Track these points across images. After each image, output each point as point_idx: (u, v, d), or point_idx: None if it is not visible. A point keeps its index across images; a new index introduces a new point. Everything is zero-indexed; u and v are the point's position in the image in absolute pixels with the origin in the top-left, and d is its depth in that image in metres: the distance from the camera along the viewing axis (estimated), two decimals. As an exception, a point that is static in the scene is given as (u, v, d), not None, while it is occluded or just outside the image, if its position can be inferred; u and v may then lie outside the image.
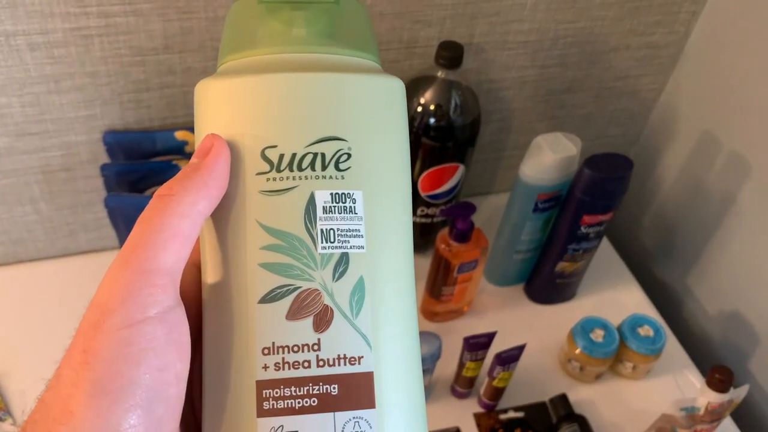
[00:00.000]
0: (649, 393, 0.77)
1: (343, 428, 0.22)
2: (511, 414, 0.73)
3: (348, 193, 0.24)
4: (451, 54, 0.71)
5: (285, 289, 0.23)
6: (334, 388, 0.23)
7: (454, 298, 0.79)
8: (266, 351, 0.23)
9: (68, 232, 0.78)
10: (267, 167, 0.24)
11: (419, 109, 0.74)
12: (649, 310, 0.86)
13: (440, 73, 0.73)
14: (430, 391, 0.74)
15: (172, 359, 0.22)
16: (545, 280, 0.82)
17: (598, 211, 0.74)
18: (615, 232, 1.01)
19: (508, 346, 0.69)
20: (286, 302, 0.23)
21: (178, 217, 0.22)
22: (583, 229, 0.75)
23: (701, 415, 0.66)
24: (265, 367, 0.23)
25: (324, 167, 0.24)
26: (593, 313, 0.79)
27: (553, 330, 0.81)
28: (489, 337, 0.69)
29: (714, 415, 0.66)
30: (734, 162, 0.83)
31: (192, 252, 0.25)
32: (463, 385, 0.73)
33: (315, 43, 0.25)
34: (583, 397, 0.76)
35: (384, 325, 0.24)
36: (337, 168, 0.24)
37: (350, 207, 0.24)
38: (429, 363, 0.69)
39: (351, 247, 0.24)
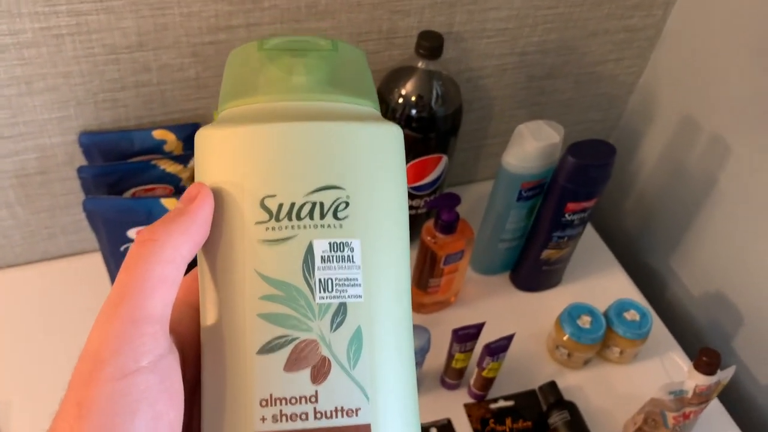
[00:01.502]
0: (637, 377, 0.78)
1: None
2: (502, 403, 0.73)
3: (346, 242, 0.24)
4: (431, 44, 0.70)
5: (283, 339, 0.23)
6: None
7: (441, 289, 0.79)
8: (264, 403, 0.23)
9: (47, 235, 0.77)
10: (266, 216, 0.24)
11: (400, 100, 0.73)
12: (635, 295, 0.86)
13: (421, 64, 0.72)
14: (420, 383, 0.74)
15: (166, 408, 0.22)
16: (531, 268, 0.82)
17: (582, 198, 0.74)
18: (598, 218, 1.02)
19: (496, 335, 0.69)
20: (284, 353, 0.23)
21: (163, 264, 0.23)
22: (567, 217, 0.75)
23: (689, 397, 0.66)
24: (263, 419, 0.23)
25: (322, 216, 0.24)
26: (579, 299, 0.79)
27: (540, 317, 0.81)
28: (477, 328, 0.69)
29: (702, 397, 0.66)
30: (714, 144, 0.84)
31: (190, 295, 0.25)
32: (452, 377, 0.73)
33: (315, 91, 0.25)
34: (572, 383, 0.77)
35: (381, 376, 0.24)
36: (335, 217, 0.24)
37: (348, 256, 0.24)
38: (419, 356, 0.68)
39: (349, 297, 0.24)
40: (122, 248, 0.66)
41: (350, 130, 0.25)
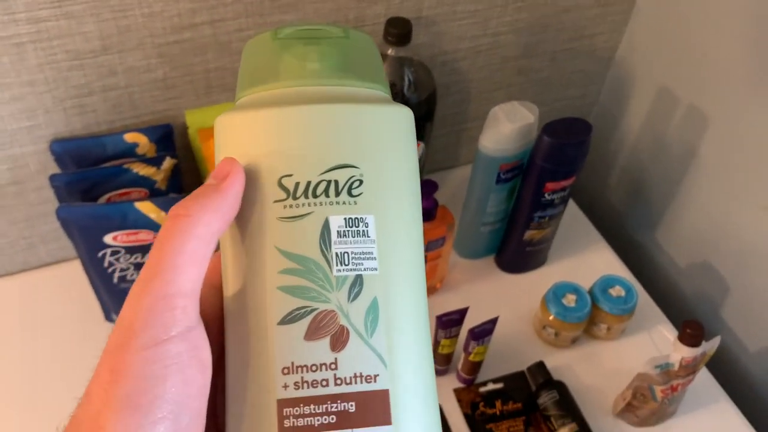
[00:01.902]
0: (626, 352, 0.78)
1: None
2: (491, 386, 0.74)
3: (361, 218, 0.25)
4: (399, 30, 0.69)
5: (303, 310, 0.24)
6: (351, 405, 0.24)
7: (426, 277, 0.78)
8: (286, 371, 0.24)
9: (26, 245, 0.76)
10: (284, 195, 0.25)
11: (372, 89, 0.72)
12: (620, 270, 0.86)
13: (390, 51, 0.71)
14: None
15: (195, 374, 0.23)
16: (515, 250, 0.82)
17: (561, 177, 0.73)
18: (582, 195, 1.01)
19: (483, 318, 0.69)
20: (304, 323, 0.24)
21: (195, 239, 0.23)
22: (547, 196, 0.75)
23: (676, 370, 0.66)
24: (285, 386, 0.24)
25: (337, 193, 0.25)
26: (566, 278, 0.79)
27: (526, 298, 0.81)
28: (461, 314, 0.69)
29: (688, 369, 0.66)
30: (693, 115, 0.83)
31: (213, 274, 0.26)
32: (440, 363, 0.73)
33: (328, 76, 0.26)
34: (561, 362, 0.77)
35: (398, 344, 0.25)
36: (350, 194, 0.25)
37: (363, 231, 0.25)
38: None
39: (365, 269, 0.25)
40: (99, 254, 0.66)
41: (362, 112, 0.26)
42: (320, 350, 0.24)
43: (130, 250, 0.66)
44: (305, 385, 0.24)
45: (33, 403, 0.68)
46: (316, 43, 0.27)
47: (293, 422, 0.23)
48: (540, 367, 0.73)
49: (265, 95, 0.26)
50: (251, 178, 0.25)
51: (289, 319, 0.24)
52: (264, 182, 0.25)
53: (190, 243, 0.23)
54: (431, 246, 0.74)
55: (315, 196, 0.25)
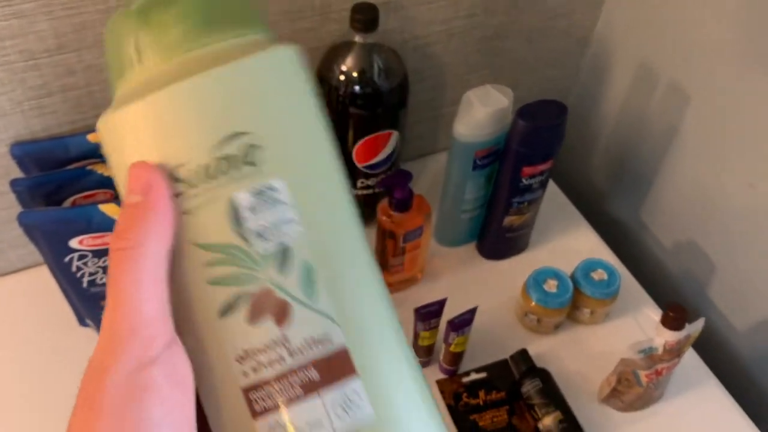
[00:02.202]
0: (611, 336, 0.77)
1: (333, 404, 0.23)
2: (474, 376, 0.72)
3: (268, 185, 0.23)
4: (365, 16, 0.67)
5: (238, 297, 0.23)
6: (312, 372, 0.23)
7: (406, 267, 0.77)
8: (240, 360, 0.24)
9: (-5, 251, 0.75)
10: (181, 188, 0.23)
11: (342, 77, 0.70)
12: (604, 253, 0.85)
13: (358, 38, 0.69)
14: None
15: (172, 392, 0.23)
16: (495, 237, 0.80)
17: (537, 161, 0.72)
18: (565, 177, 1.00)
19: (465, 306, 0.68)
20: (243, 309, 0.23)
21: (152, 268, 0.23)
22: (524, 181, 0.73)
23: (660, 354, 0.65)
24: (245, 374, 0.24)
25: (235, 167, 0.23)
26: (549, 263, 0.78)
27: (509, 285, 0.80)
28: (440, 305, 0.67)
29: (672, 352, 0.65)
30: (674, 91, 0.81)
31: None
32: (421, 354, 0.72)
33: (192, 40, 0.24)
34: (545, 349, 0.76)
35: (344, 297, 0.24)
36: (248, 163, 0.23)
37: (274, 198, 0.23)
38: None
39: (288, 237, 0.24)
40: (66, 259, 0.64)
41: (236, 71, 0.23)
42: (266, 330, 0.23)
43: (98, 254, 0.65)
44: (262, 367, 0.23)
45: (8, 409, 0.67)
46: (173, 3, 0.24)
47: (263, 405, 0.23)
48: (523, 354, 0.72)
49: (135, 84, 0.24)
50: None
51: (227, 309, 0.24)
52: None
53: (147, 273, 0.23)
54: (409, 237, 0.73)
55: (212, 177, 0.23)
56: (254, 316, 0.24)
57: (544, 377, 0.70)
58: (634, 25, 0.85)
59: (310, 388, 0.23)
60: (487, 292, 0.79)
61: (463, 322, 0.67)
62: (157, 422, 0.22)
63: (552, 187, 0.92)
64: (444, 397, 0.71)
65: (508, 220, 0.78)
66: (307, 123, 0.25)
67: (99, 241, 0.64)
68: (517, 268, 0.82)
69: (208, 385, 0.24)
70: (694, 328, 0.66)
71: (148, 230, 0.23)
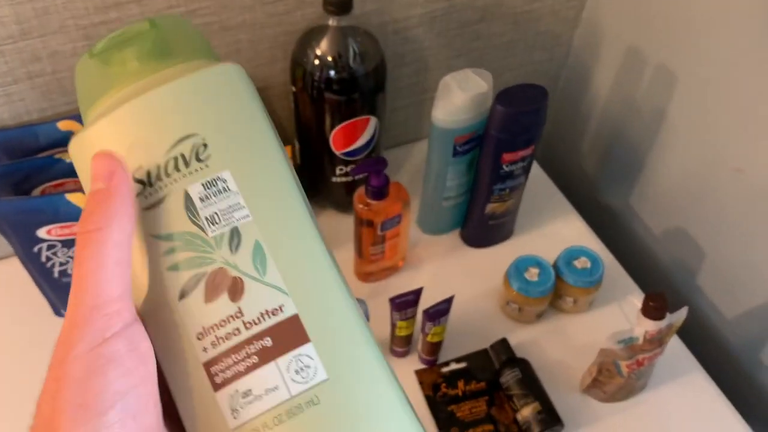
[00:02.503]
0: (595, 325, 0.75)
1: (288, 369, 0.25)
2: (454, 366, 0.71)
3: (216, 177, 0.26)
4: (338, -1, 0.66)
5: (194, 279, 0.26)
6: (267, 340, 0.25)
7: (386, 255, 0.76)
8: (200, 336, 0.26)
9: (-31, 241, 0.74)
10: (141, 187, 0.26)
11: (317, 62, 0.69)
12: (591, 240, 0.83)
13: (331, 21, 0.68)
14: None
15: (135, 365, 0.24)
16: (478, 224, 0.79)
17: (518, 147, 0.70)
18: (555, 163, 0.98)
19: (447, 295, 0.66)
20: (200, 289, 0.26)
21: (114, 249, 0.24)
22: (505, 168, 0.72)
23: (641, 344, 0.64)
24: (205, 350, 0.25)
25: (187, 164, 0.26)
26: (533, 250, 0.76)
27: (492, 273, 0.78)
28: (416, 294, 0.66)
29: (654, 342, 0.64)
30: (661, 75, 0.79)
31: None
32: (399, 344, 0.71)
33: (148, 69, 0.28)
34: (527, 338, 0.74)
35: (293, 270, 0.26)
36: (198, 160, 0.26)
37: (223, 187, 0.26)
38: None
39: (238, 220, 0.26)
40: (35, 249, 0.64)
41: (183, 84, 0.27)
42: (222, 306, 0.26)
43: (67, 244, 0.64)
44: (220, 341, 0.25)
45: (-21, 404, 0.66)
46: (130, 44, 0.28)
47: (223, 377, 0.25)
48: (503, 344, 0.71)
49: (101, 109, 0.28)
50: None
51: (185, 291, 0.26)
52: None
53: (110, 255, 0.24)
54: (387, 225, 0.71)
55: (168, 175, 0.26)
56: (210, 294, 0.26)
57: (524, 367, 0.69)
58: (622, 6, 0.83)
59: (265, 357, 0.25)
60: (469, 280, 0.78)
61: (438, 312, 0.65)
62: (121, 393, 0.23)
63: (539, 173, 0.90)
64: (422, 388, 0.70)
65: (490, 207, 0.76)
66: (249, 123, 0.28)
67: (67, 230, 0.63)
68: (501, 256, 0.80)
69: (172, 365, 0.26)
70: (677, 317, 0.64)
71: (111, 214, 0.25)
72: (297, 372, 0.25)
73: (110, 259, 0.24)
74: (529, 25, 0.87)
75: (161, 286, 0.26)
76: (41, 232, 0.62)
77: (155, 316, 0.26)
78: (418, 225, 0.83)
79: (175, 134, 0.27)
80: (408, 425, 0.26)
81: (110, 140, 0.27)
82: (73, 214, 0.62)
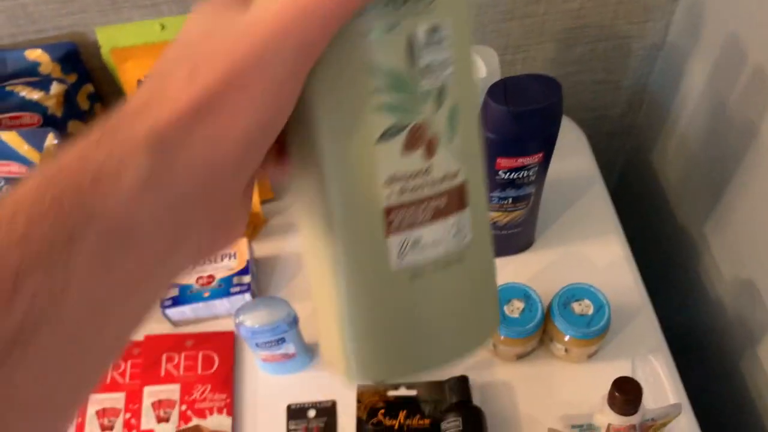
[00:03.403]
0: (589, 381, 0.61)
1: (449, 229, 0.27)
2: (403, 391, 0.61)
3: (440, 23, 0.25)
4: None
5: (397, 126, 0.26)
6: (442, 200, 0.27)
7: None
8: (388, 182, 0.26)
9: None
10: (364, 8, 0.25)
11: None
12: (624, 270, 0.67)
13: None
14: (313, 358, 0.64)
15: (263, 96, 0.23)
16: (478, 230, 0.66)
17: (515, 152, 0.56)
18: (637, 165, 0.80)
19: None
20: (400, 138, 0.26)
21: (334, 20, 0.23)
22: (501, 175, 0.58)
23: (606, 435, 0.50)
24: (389, 196, 0.26)
25: (416, 3, 0.25)
26: (551, 270, 0.63)
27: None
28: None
29: (626, 436, 0.50)
30: (757, 79, 0.59)
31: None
32: (343, 355, 0.62)
33: None
34: (502, 378, 0.62)
35: (468, 141, 0.27)
36: (426, 3, 0.25)
37: (443, 37, 0.26)
38: (284, 327, 0.58)
39: (445, 77, 0.26)
40: (-20, 184, 0.62)
41: None
42: (416, 160, 0.26)
43: (9, 181, 0.61)
44: (405, 191, 0.26)
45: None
46: None
47: (398, 224, 0.27)
48: (460, 383, 0.59)
49: None
50: None
51: (386, 136, 0.26)
52: None
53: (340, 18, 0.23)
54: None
55: (397, 8, 0.25)
56: (409, 145, 0.26)
57: (471, 418, 0.57)
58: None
59: (437, 215, 0.27)
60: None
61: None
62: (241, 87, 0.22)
63: (597, 182, 0.73)
64: (358, 408, 0.61)
65: (491, 216, 0.63)
66: None
67: (5, 168, 0.60)
68: (506, 272, 0.67)
69: (350, 200, 0.26)
70: (666, 413, 0.49)
71: None
72: (454, 233, 0.28)
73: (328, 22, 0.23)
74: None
75: (362, 123, 0.26)
76: (-18, 169, 0.60)
77: (348, 150, 0.26)
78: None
79: None
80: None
81: None
82: (8, 154, 0.59)
